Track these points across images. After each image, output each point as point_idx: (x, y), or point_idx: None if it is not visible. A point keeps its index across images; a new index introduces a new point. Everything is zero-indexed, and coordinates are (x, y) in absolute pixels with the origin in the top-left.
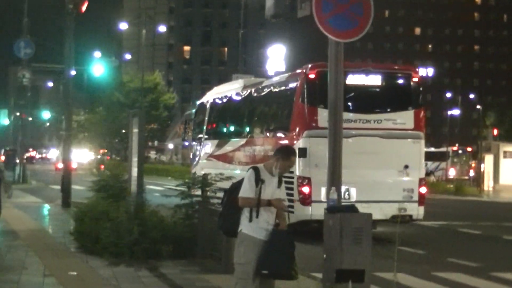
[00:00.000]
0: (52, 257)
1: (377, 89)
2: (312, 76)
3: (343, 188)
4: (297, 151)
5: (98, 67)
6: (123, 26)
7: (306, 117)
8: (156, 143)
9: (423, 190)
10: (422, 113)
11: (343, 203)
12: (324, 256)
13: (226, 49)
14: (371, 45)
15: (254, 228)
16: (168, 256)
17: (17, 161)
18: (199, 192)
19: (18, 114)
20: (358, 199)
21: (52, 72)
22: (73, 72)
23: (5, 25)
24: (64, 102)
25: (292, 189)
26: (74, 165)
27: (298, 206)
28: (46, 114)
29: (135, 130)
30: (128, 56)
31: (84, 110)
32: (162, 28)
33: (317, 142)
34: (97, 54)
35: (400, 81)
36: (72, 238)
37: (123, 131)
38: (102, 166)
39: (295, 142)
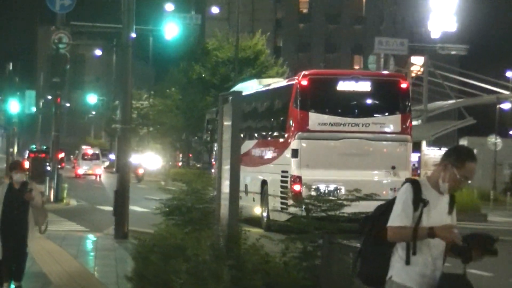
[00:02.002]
0: None
1: (366, 95)
2: (304, 83)
3: (332, 186)
4: (291, 153)
5: (171, 27)
6: None
7: (298, 121)
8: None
9: None
10: (409, 118)
11: (331, 200)
12: None
13: None
14: None
15: (411, 274)
16: None
17: (49, 168)
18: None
19: (50, 97)
20: (347, 197)
21: (101, 36)
22: (133, 35)
23: None
24: (120, 80)
25: (286, 187)
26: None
27: (290, 203)
28: (91, 98)
29: (227, 123)
30: (215, 10)
31: (148, 93)
32: None
33: (308, 143)
34: (169, 7)
35: (388, 87)
36: (130, 286)
37: (208, 124)
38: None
39: (289, 143)
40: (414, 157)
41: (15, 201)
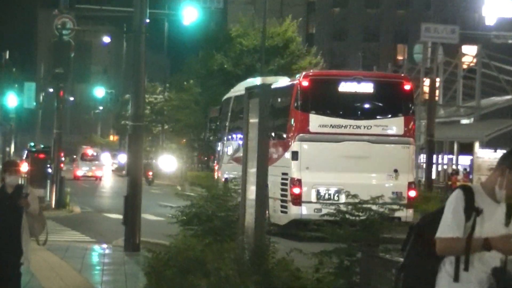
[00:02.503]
0: None
1: (368, 97)
2: (305, 83)
3: (332, 190)
4: (291, 155)
5: (189, 12)
6: None
7: (299, 122)
8: None
9: (412, 193)
10: (412, 120)
11: (331, 203)
12: None
13: None
14: None
15: None
16: None
17: (50, 170)
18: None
19: (51, 90)
20: (348, 201)
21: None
22: (146, 20)
23: None
24: (131, 71)
25: (286, 190)
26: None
27: (290, 206)
28: (99, 92)
29: (253, 121)
30: None
31: (163, 86)
32: None
33: (308, 146)
34: None
35: (391, 89)
36: None
37: (210, 123)
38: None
39: (289, 145)
40: (466, 160)
41: (7, 208)
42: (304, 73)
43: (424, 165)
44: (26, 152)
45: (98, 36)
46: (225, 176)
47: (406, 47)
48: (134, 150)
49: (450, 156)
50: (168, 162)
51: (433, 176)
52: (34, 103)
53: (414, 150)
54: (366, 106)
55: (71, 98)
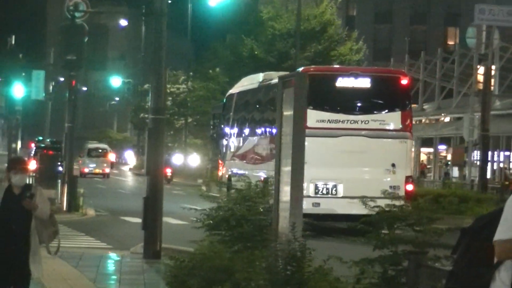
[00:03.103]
0: None
1: (365, 92)
2: None
3: (330, 184)
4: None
5: None
6: None
7: None
8: None
9: (410, 187)
10: (409, 115)
11: (329, 198)
12: None
13: None
14: None
15: None
16: None
17: (61, 168)
18: None
19: (62, 79)
20: (345, 195)
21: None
22: (168, 1)
23: None
24: (151, 58)
25: None
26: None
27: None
28: (115, 81)
29: (288, 113)
30: None
31: (186, 74)
32: None
33: (306, 140)
34: None
35: (388, 84)
36: None
37: (214, 119)
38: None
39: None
40: None
41: (13, 211)
42: (302, 68)
43: (478, 163)
44: (34, 148)
45: (114, 19)
46: (229, 172)
47: (457, 31)
48: (155, 147)
49: (507, 153)
50: (189, 158)
51: (488, 175)
52: (43, 94)
53: (411, 144)
54: (364, 101)
55: (84, 88)
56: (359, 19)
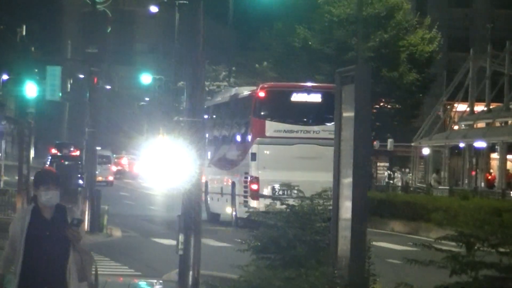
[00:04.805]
0: None
1: (317, 105)
2: (261, 94)
3: (286, 186)
4: (250, 156)
5: None
6: None
7: (257, 128)
8: (389, 144)
9: None
10: None
11: (285, 199)
12: None
13: None
14: None
15: None
16: None
17: (81, 181)
18: None
19: (82, 77)
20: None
21: None
22: None
23: None
24: (187, 50)
25: (247, 186)
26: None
27: (249, 201)
28: (144, 78)
29: (348, 114)
30: None
31: (227, 69)
32: None
33: (264, 148)
34: None
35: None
36: None
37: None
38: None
39: (250, 148)
40: None
41: (46, 241)
42: (260, 85)
43: None
44: (49, 157)
45: (142, 4)
46: (204, 178)
47: None
48: (191, 154)
49: None
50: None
51: None
52: (60, 94)
53: None
54: (315, 113)
55: (108, 87)
56: (432, 2)
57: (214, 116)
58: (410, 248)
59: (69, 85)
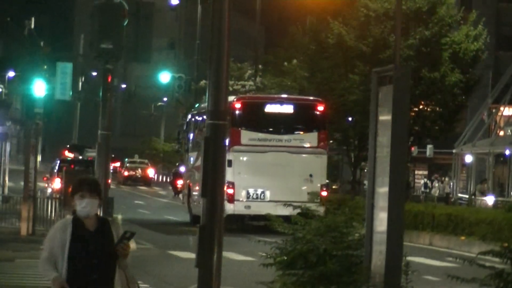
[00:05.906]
0: None
1: (289, 116)
2: (237, 106)
3: (259, 190)
4: (227, 163)
5: None
6: None
7: (233, 137)
8: (428, 150)
9: (324, 193)
10: (325, 135)
11: (258, 202)
12: None
13: None
14: None
15: None
16: None
17: None
18: None
19: (95, 74)
20: (271, 199)
21: None
22: None
23: None
24: (210, 46)
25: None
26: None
27: (225, 204)
28: (163, 76)
29: (385, 118)
30: None
31: (254, 67)
32: None
33: (240, 155)
34: None
35: (307, 109)
36: None
37: (187, 126)
38: None
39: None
40: None
41: (90, 256)
42: (236, 97)
43: None
44: (58, 162)
45: None
46: (188, 182)
47: None
48: (213, 160)
49: None
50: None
51: None
52: (70, 93)
53: (326, 159)
54: (287, 123)
55: (123, 86)
56: None
57: (195, 125)
58: (450, 264)
59: (80, 84)
